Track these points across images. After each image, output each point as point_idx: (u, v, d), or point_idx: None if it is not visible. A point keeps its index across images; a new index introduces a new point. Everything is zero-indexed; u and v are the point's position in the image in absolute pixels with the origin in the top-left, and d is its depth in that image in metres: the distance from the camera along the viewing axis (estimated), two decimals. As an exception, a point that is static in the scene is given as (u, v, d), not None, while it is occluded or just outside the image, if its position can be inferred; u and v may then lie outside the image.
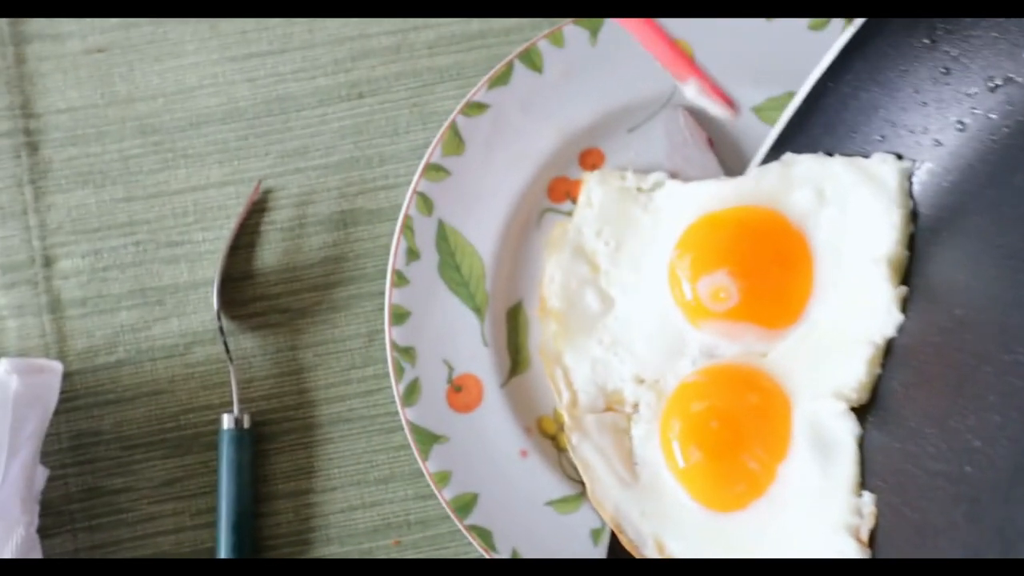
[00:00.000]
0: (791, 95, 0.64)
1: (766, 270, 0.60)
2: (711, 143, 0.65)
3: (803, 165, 0.62)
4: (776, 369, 0.60)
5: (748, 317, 0.60)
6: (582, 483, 0.62)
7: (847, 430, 0.57)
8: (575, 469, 0.63)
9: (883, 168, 0.60)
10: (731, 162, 0.65)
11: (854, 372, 0.57)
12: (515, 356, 0.64)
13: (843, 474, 0.57)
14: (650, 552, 0.59)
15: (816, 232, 0.61)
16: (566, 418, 0.62)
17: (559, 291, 0.64)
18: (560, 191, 0.66)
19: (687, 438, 0.59)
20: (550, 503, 0.63)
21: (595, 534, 0.62)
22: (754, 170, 0.63)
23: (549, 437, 0.64)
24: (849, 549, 0.55)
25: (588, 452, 0.61)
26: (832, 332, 0.59)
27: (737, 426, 0.59)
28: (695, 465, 0.59)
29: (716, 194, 0.63)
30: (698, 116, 0.65)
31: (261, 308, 0.65)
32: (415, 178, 0.64)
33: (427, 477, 0.62)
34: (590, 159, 0.66)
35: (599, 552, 0.62)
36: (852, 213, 0.60)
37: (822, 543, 0.56)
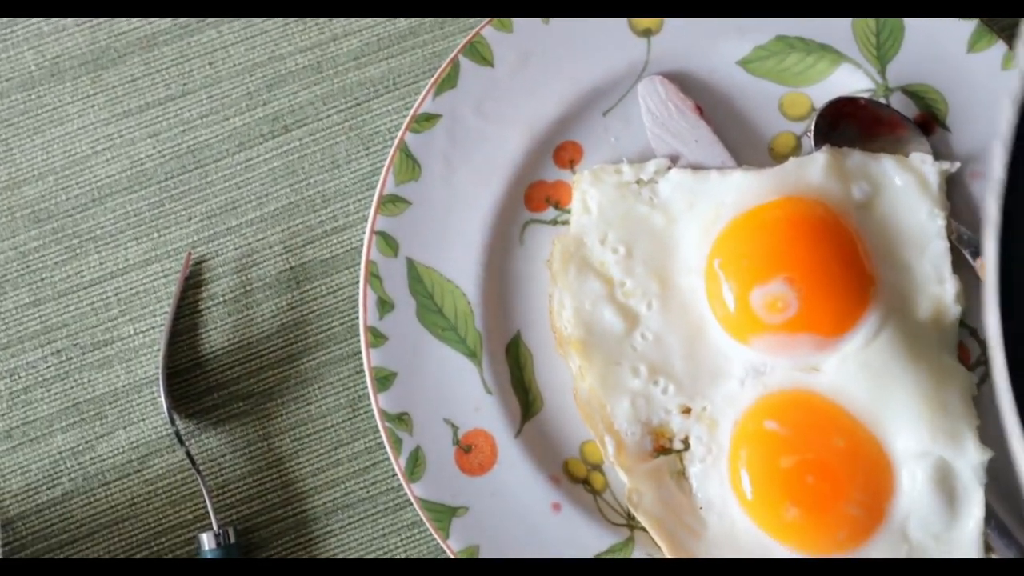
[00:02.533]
0: (781, 40, 0.57)
1: (826, 272, 0.53)
2: (700, 111, 0.57)
3: (853, 158, 0.57)
4: (839, 387, 0.53)
5: (808, 327, 0.53)
6: (628, 525, 0.54)
7: (975, 480, 0.52)
8: (617, 511, 0.55)
9: (925, 168, 0.57)
10: (726, 129, 0.57)
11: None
12: (524, 398, 0.55)
13: (971, 526, 0.52)
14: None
15: (868, 227, 0.55)
16: (621, 474, 0.54)
17: (573, 317, 0.55)
18: (539, 198, 0.57)
19: (781, 495, 0.53)
20: (598, 557, 0.55)
21: (653, 579, 0.55)
22: (794, 160, 0.56)
23: (580, 481, 0.55)
24: None
25: (652, 507, 0.53)
26: (895, 338, 0.53)
27: (834, 476, 0.53)
28: (792, 522, 0.52)
29: (745, 186, 0.56)
30: (681, 81, 0.57)
31: (219, 399, 0.56)
32: (371, 215, 0.54)
33: (451, 556, 0.54)
34: (566, 155, 0.57)
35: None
36: (901, 210, 0.56)
37: None
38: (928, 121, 0.57)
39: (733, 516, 0.54)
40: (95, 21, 0.57)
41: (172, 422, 0.54)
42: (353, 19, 0.57)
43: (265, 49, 0.58)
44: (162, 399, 0.54)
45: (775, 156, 0.57)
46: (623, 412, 0.55)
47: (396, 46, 0.58)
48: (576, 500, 0.55)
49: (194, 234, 0.57)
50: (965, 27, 0.57)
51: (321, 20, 0.57)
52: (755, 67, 0.57)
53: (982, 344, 0.56)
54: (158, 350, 0.55)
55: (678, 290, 0.56)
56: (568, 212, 0.56)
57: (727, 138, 0.57)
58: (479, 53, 0.55)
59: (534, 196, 0.57)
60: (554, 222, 0.57)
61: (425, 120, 0.55)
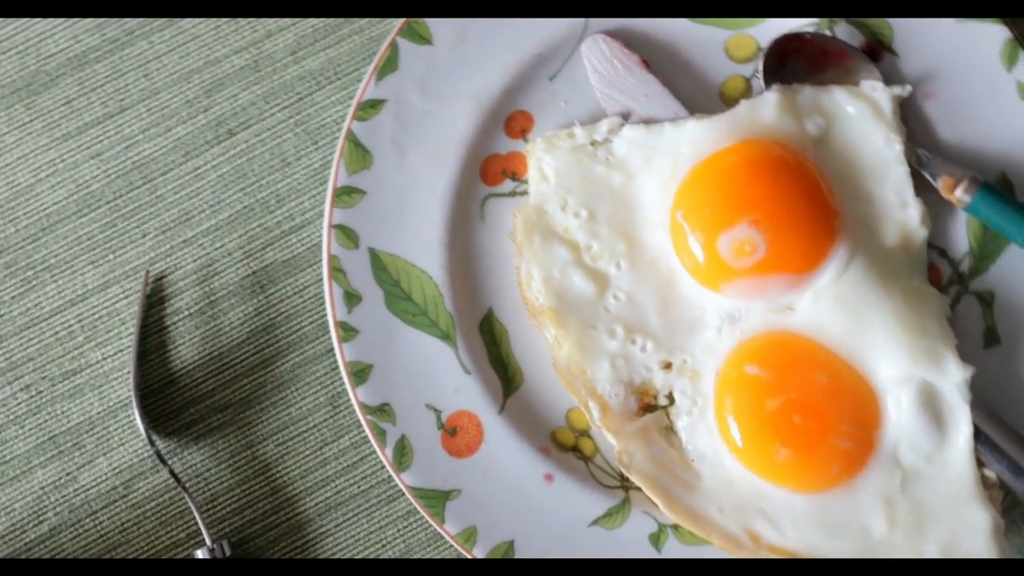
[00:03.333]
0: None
1: (790, 210, 0.53)
2: (647, 64, 0.56)
3: (804, 94, 0.56)
4: (815, 324, 0.53)
5: (778, 267, 0.53)
6: (622, 486, 0.54)
7: (961, 398, 0.52)
8: (610, 474, 0.55)
9: (876, 95, 0.56)
10: (675, 79, 0.56)
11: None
12: (504, 373, 0.55)
13: (961, 443, 0.52)
14: (747, 549, 0.52)
15: (827, 160, 0.55)
16: (609, 437, 0.54)
17: (543, 287, 0.55)
18: (495, 172, 0.56)
19: (770, 438, 0.52)
20: (596, 522, 0.54)
21: (654, 538, 0.54)
22: (745, 103, 0.55)
23: (570, 449, 0.55)
24: (983, 518, 0.51)
25: (644, 465, 0.53)
26: (866, 267, 0.53)
27: (820, 413, 0.53)
28: (784, 462, 0.52)
29: (700, 135, 0.55)
30: (624, 37, 0.56)
31: (197, 413, 0.55)
32: (326, 209, 0.53)
33: (450, 540, 0.53)
34: (517, 125, 0.56)
35: (665, 556, 0.54)
36: (857, 139, 0.55)
37: (955, 515, 0.51)
38: (875, 48, 0.57)
39: (726, 464, 0.54)
40: (21, 46, 0.56)
41: (151, 443, 0.53)
42: (285, 13, 0.57)
43: (199, 55, 0.56)
44: (138, 421, 0.53)
45: (726, 101, 0.57)
46: (604, 375, 0.54)
47: (333, 35, 0.57)
48: (568, 468, 0.54)
49: (150, 251, 0.55)
50: (900, -51, 0.56)
51: (253, 19, 0.57)
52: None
53: (952, 263, 0.56)
54: (128, 372, 0.54)
55: (645, 247, 0.55)
56: (526, 183, 0.56)
57: (677, 88, 0.56)
58: (416, 32, 0.54)
59: (490, 170, 0.56)
60: (513, 193, 0.56)
61: (370, 107, 0.54)
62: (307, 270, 0.55)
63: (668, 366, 0.55)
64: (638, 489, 0.53)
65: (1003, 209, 0.54)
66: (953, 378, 0.53)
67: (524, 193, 0.56)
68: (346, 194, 0.54)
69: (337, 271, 0.53)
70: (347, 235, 0.54)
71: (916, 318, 0.53)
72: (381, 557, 0.55)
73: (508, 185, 0.56)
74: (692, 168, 0.54)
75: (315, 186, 0.56)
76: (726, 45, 0.57)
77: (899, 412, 0.53)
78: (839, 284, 0.53)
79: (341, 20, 0.56)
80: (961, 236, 0.56)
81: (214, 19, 0.56)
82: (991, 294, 0.55)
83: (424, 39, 0.54)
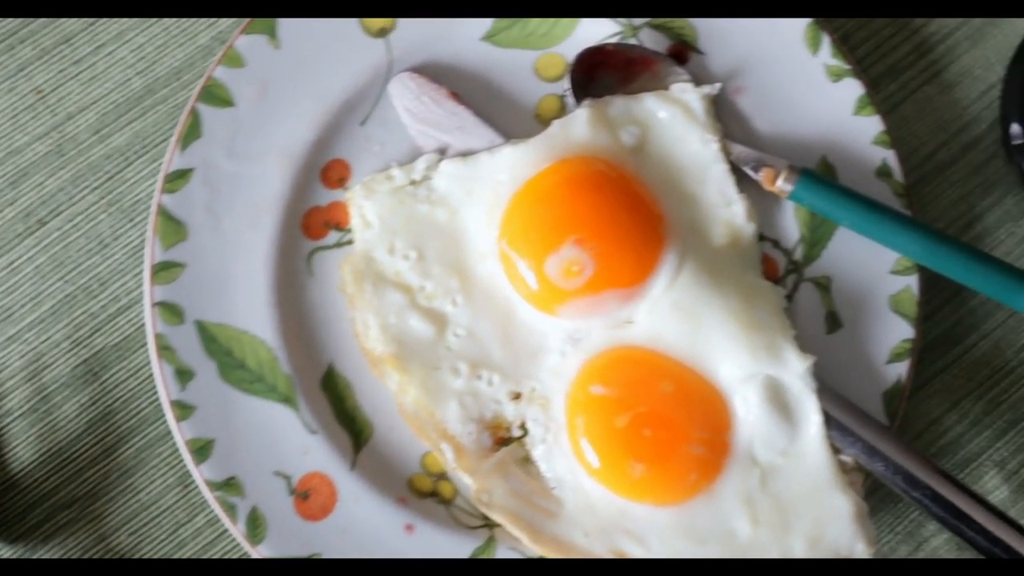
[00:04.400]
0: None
1: (614, 224, 0.52)
2: (456, 97, 0.55)
3: (615, 105, 0.56)
4: (654, 334, 0.53)
5: (608, 283, 0.52)
6: (486, 525, 0.53)
7: (806, 388, 0.52)
8: (472, 515, 0.54)
9: (687, 96, 0.56)
10: (489, 107, 0.56)
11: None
12: (352, 428, 0.54)
13: (813, 433, 0.52)
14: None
15: (646, 169, 0.55)
16: (466, 477, 0.53)
17: (380, 335, 0.54)
18: (318, 225, 0.55)
19: (624, 455, 0.52)
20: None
21: (528, 570, 0.54)
22: (557, 122, 0.55)
23: (429, 495, 0.54)
24: (846, 504, 0.51)
25: (504, 501, 0.52)
26: (697, 271, 0.53)
27: (670, 423, 0.52)
28: (641, 478, 0.51)
29: (517, 160, 0.55)
30: (431, 72, 0.56)
31: (43, 513, 0.53)
32: (146, 288, 0.52)
33: (320, 604, 0.52)
34: (334, 174, 0.55)
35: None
36: (674, 143, 0.55)
37: (817, 505, 0.51)
38: (682, 50, 0.56)
39: (586, 488, 0.53)
40: None
41: (-2, 551, 0.51)
42: (84, 92, 0.55)
43: (-1, 146, 0.55)
44: (-18, 531, 0.52)
45: (543, 121, 0.56)
46: (453, 415, 0.53)
47: (136, 108, 0.55)
48: (428, 515, 0.53)
49: (-27, 353, 0.54)
50: (692, -51, 0.57)
51: (51, 102, 0.55)
52: (501, 39, 0.56)
53: (786, 252, 0.56)
54: (-36, 482, 0.53)
55: (479, 279, 0.55)
56: (351, 231, 0.55)
57: (492, 116, 0.56)
58: (216, 96, 0.53)
59: (312, 224, 0.55)
60: (339, 244, 0.55)
61: (178, 177, 0.53)
62: (140, 351, 0.54)
63: (518, 396, 0.54)
64: (502, 525, 0.53)
65: (825, 193, 0.54)
66: (795, 369, 0.52)
67: (351, 243, 0.55)
68: (164, 269, 0.52)
69: (165, 349, 0.52)
70: (171, 311, 0.52)
71: (752, 314, 0.53)
72: (258, 630, 0.54)
73: (333, 236, 0.55)
74: (512, 194, 0.54)
75: (137, 264, 0.55)
76: (535, 66, 0.56)
77: (748, 410, 0.52)
78: (672, 291, 0.53)
79: (142, 92, 0.55)
80: (791, 225, 0.56)
81: (9, 107, 0.55)
82: (827, 279, 0.55)
83: (225, 101, 0.53)
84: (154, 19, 0.55)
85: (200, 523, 0.53)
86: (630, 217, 0.53)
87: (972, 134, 0.59)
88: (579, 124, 0.54)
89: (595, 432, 0.53)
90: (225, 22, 0.56)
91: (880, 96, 0.59)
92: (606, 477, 0.53)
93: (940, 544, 0.56)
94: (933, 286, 0.57)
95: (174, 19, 0.55)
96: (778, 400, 0.53)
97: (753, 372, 0.52)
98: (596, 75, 0.55)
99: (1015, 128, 0.58)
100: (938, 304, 0.58)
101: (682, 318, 0.53)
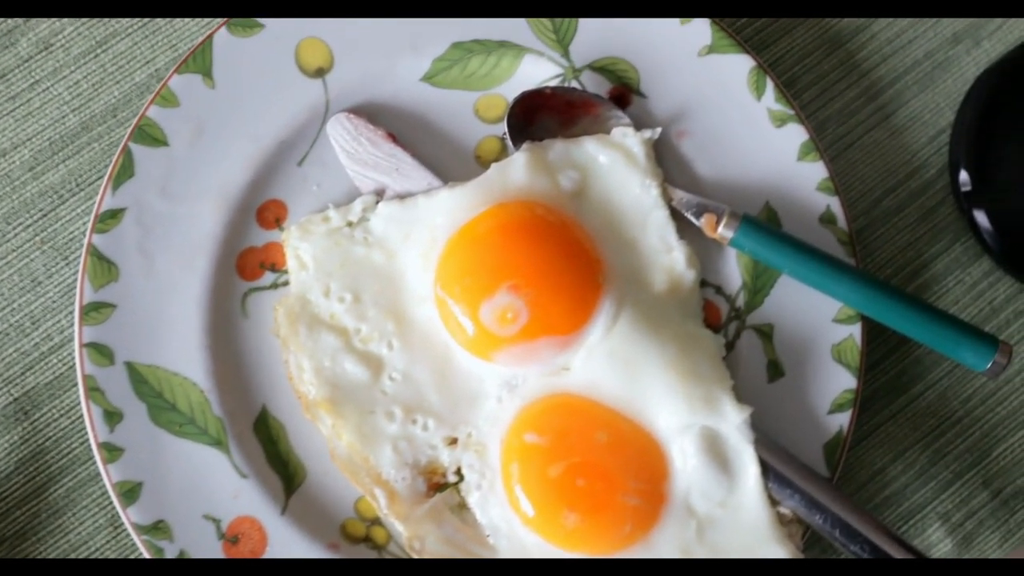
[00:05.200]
0: (458, 48, 0.55)
1: (549, 271, 0.52)
2: (393, 138, 0.55)
3: (555, 149, 0.55)
4: (591, 382, 0.52)
5: (543, 331, 0.52)
6: (422, 571, 0.53)
7: (743, 439, 0.52)
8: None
9: (627, 141, 0.55)
10: (428, 148, 0.55)
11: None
12: (284, 472, 0.53)
13: (750, 484, 0.52)
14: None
15: (586, 214, 0.54)
16: (397, 524, 0.52)
17: (314, 378, 0.53)
18: (252, 266, 0.54)
19: (557, 505, 0.51)
20: (396, 611, 0.53)
21: (461, 617, 0.53)
22: (495, 166, 0.54)
23: (362, 540, 0.53)
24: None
25: (437, 548, 0.52)
26: (635, 319, 0.52)
27: (605, 473, 0.51)
28: (575, 528, 0.51)
29: (453, 204, 0.54)
30: (368, 113, 0.55)
31: (-30, 555, 0.53)
32: (76, 329, 0.52)
33: (248, 650, 0.52)
34: (270, 215, 0.54)
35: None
36: (614, 188, 0.55)
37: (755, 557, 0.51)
38: (624, 93, 0.56)
39: (520, 536, 0.52)
40: None
41: (-76, 591, 0.51)
42: (19, 129, 0.55)
43: (-71, 183, 0.55)
44: (-92, 571, 0.51)
45: (482, 163, 0.56)
46: (387, 460, 0.53)
47: (71, 146, 0.55)
48: (360, 561, 0.53)
49: (-96, 391, 0.54)
50: (636, -9, 0.56)
51: (-15, 138, 0.55)
52: (440, 80, 0.55)
53: (729, 299, 0.55)
54: None
55: (415, 323, 0.54)
56: (287, 272, 0.54)
57: (431, 158, 0.55)
58: (149, 135, 0.53)
59: (247, 265, 0.54)
60: (275, 286, 0.54)
61: (110, 217, 0.52)
62: (72, 390, 0.53)
63: (453, 442, 0.53)
64: (433, 573, 0.52)
65: (765, 240, 0.53)
66: (732, 420, 0.52)
67: (286, 284, 0.54)
68: (94, 310, 0.52)
69: (94, 391, 0.51)
70: (101, 352, 0.52)
71: (690, 364, 0.52)
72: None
73: (269, 278, 0.54)
74: (448, 238, 0.54)
75: (70, 303, 0.54)
76: (476, 107, 0.56)
77: (685, 461, 0.52)
78: (609, 339, 0.52)
79: (78, 129, 0.54)
80: (734, 272, 0.55)
81: (-57, 145, 0.54)
82: (770, 326, 0.55)
83: (159, 141, 0.53)
84: (91, 55, 0.55)
85: (129, 565, 0.53)
86: (567, 263, 0.53)
87: (921, 180, 0.59)
88: (517, 168, 0.54)
89: (529, 480, 0.52)
90: (162, 60, 0.55)
91: (827, 140, 0.59)
92: (540, 526, 0.52)
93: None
94: (879, 335, 0.56)
95: (110, 55, 0.55)
96: (715, 451, 0.52)
97: (690, 423, 0.52)
98: (536, 118, 0.55)
99: (964, 175, 0.58)
100: (883, 353, 0.57)
101: (619, 367, 0.52)
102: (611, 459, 0.52)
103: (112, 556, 0.53)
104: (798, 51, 0.59)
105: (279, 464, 0.53)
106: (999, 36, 0.59)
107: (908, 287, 0.58)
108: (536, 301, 0.51)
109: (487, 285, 0.52)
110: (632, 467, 0.52)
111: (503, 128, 0.55)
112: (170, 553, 0.51)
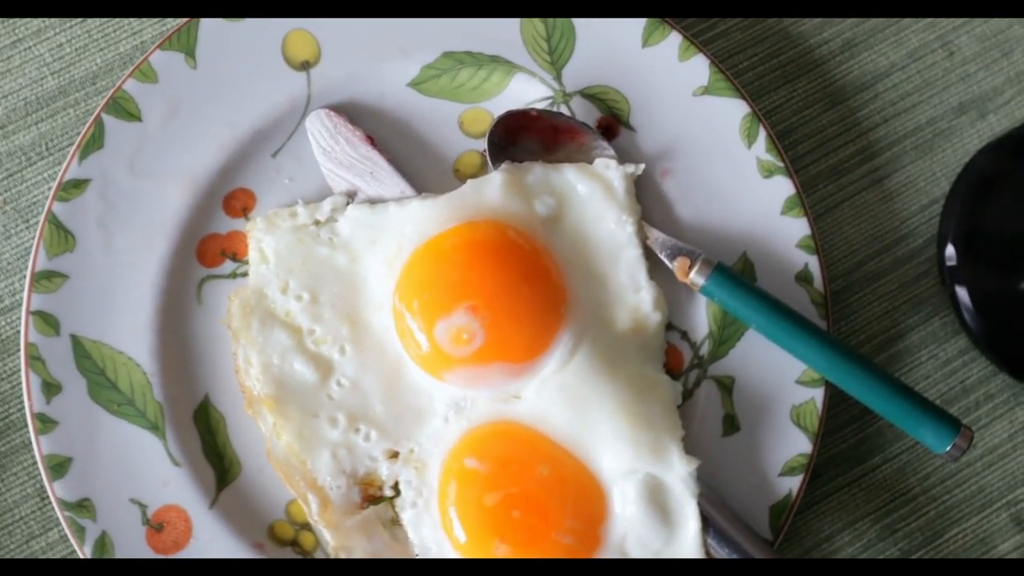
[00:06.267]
0: (449, 57, 0.54)
1: (511, 296, 0.51)
2: (371, 141, 0.54)
3: (534, 172, 0.54)
4: (540, 414, 0.51)
5: (497, 356, 0.50)
6: (345, 582, 0.52)
7: (687, 492, 0.50)
8: (332, 570, 0.52)
9: (609, 173, 0.54)
10: (407, 155, 0.54)
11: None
12: (219, 464, 0.52)
13: (689, 537, 0.50)
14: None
15: (557, 242, 0.53)
16: (325, 533, 0.51)
17: (261, 374, 0.52)
18: (213, 252, 0.53)
19: (489, 534, 0.50)
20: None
21: (380, 634, 0.52)
22: (471, 182, 0.53)
23: (288, 543, 0.52)
24: None
25: None
26: (591, 356, 0.51)
27: (541, 507, 0.50)
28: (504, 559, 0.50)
29: (424, 215, 0.53)
30: (350, 112, 0.54)
31: None
32: (25, 295, 0.51)
33: (160, 640, 0.51)
34: (238, 203, 0.53)
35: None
36: (589, 220, 0.53)
37: None
38: (612, 124, 0.54)
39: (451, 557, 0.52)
40: None
41: None
42: (-6, 85, 0.54)
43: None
44: None
45: (461, 177, 0.54)
46: (325, 466, 0.52)
47: (45, 109, 0.54)
48: (283, 565, 0.52)
49: None
50: (637, 22, 0.54)
51: (-41, 92, 0.54)
52: (428, 87, 0.54)
53: (693, 346, 0.54)
54: None
55: (371, 330, 0.53)
56: (247, 263, 0.53)
57: (409, 164, 0.54)
58: (124, 109, 0.52)
59: (207, 251, 0.53)
60: (234, 275, 0.53)
61: (73, 187, 0.51)
62: (16, 355, 0.53)
63: (394, 456, 0.52)
64: (355, 586, 0.51)
65: (736, 292, 0.52)
66: (678, 471, 0.50)
67: (245, 275, 0.53)
68: (46, 278, 0.51)
69: (35, 359, 0.51)
70: (47, 321, 0.51)
71: (642, 409, 0.51)
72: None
73: (228, 266, 0.53)
74: (414, 250, 0.52)
75: (24, 267, 0.53)
76: (460, 119, 0.54)
77: (625, 506, 0.50)
78: (563, 373, 0.51)
79: (55, 92, 0.54)
80: (702, 319, 0.54)
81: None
82: (731, 379, 0.53)
83: (133, 115, 0.52)
84: (77, 19, 0.54)
85: (53, 538, 0.52)
86: (530, 290, 0.51)
87: (907, 248, 0.57)
88: (493, 187, 0.52)
89: (464, 505, 0.51)
90: (149, 32, 0.54)
91: (816, 196, 0.57)
92: (470, 553, 0.51)
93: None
94: (843, 400, 0.55)
95: (98, 21, 0.54)
96: (657, 500, 0.51)
97: (635, 468, 0.50)
98: (519, 139, 0.53)
99: (950, 249, 0.56)
100: (846, 419, 0.56)
101: (569, 403, 0.51)
102: (550, 495, 0.51)
103: (36, 527, 0.52)
104: (798, 101, 0.57)
105: (214, 456, 0.52)
106: (1006, 111, 0.57)
107: (880, 356, 0.56)
108: (493, 325, 0.50)
109: (446, 303, 0.51)
110: (570, 505, 0.51)
111: (485, 144, 0.54)
112: (91, 533, 0.50)
